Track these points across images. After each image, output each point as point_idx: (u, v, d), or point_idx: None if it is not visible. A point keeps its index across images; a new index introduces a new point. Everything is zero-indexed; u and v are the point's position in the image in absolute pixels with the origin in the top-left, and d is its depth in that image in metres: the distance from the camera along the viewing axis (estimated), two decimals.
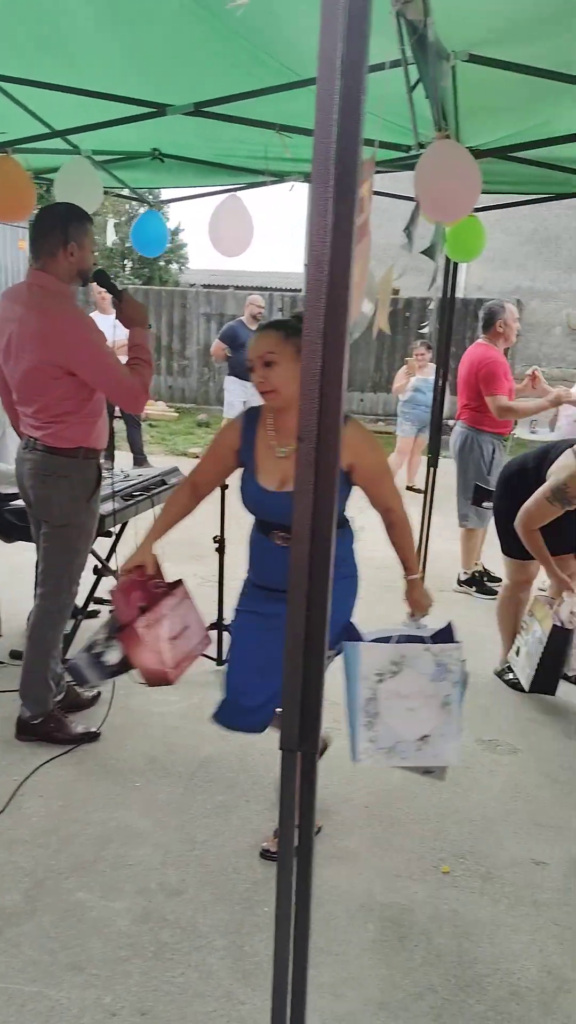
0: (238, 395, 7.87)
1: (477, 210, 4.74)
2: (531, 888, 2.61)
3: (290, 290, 14.50)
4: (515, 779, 3.23)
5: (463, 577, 5.40)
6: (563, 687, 3.89)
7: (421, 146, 3.30)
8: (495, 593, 5.00)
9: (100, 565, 3.97)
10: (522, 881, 2.64)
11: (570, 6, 2.40)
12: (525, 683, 3.77)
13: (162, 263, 25.05)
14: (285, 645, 1.58)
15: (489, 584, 5.35)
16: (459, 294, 11.73)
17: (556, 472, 3.45)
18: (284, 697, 1.59)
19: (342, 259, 1.39)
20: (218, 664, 4.01)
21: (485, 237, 4.38)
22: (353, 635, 2.32)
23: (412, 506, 6.89)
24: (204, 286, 18.56)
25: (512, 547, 3.83)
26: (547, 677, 3.72)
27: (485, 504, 4.98)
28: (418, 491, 5.53)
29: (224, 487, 3.73)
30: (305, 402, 1.43)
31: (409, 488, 8.06)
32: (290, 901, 1.66)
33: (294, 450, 1.71)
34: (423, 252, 3.14)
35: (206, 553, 4.52)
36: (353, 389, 12.53)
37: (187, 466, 3.27)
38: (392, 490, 2.45)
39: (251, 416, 2.50)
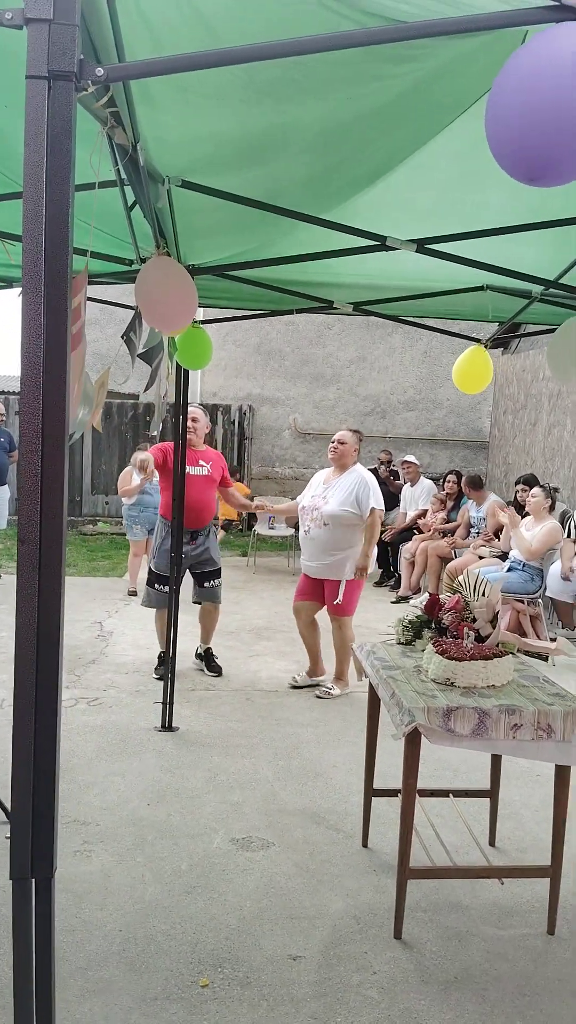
0: None
1: (205, 322, 5.02)
2: (288, 985, 2.58)
3: (15, 393, 14.15)
4: (268, 874, 3.21)
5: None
6: (316, 775, 3.97)
7: (143, 260, 3.46)
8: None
9: None
10: (279, 980, 2.61)
11: (271, 142, 2.67)
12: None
13: None
14: (13, 767, 1.49)
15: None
16: (196, 399, 12.17)
17: None
18: (13, 821, 1.49)
19: (57, 366, 1.41)
20: None
21: (211, 347, 4.62)
22: None
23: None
24: None
25: None
26: None
27: (157, 585, 5.37)
28: None
29: None
30: (25, 504, 1.41)
31: None
32: None
33: None
34: (139, 356, 3.26)
35: None
36: (98, 492, 12.37)
37: None
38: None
39: None
